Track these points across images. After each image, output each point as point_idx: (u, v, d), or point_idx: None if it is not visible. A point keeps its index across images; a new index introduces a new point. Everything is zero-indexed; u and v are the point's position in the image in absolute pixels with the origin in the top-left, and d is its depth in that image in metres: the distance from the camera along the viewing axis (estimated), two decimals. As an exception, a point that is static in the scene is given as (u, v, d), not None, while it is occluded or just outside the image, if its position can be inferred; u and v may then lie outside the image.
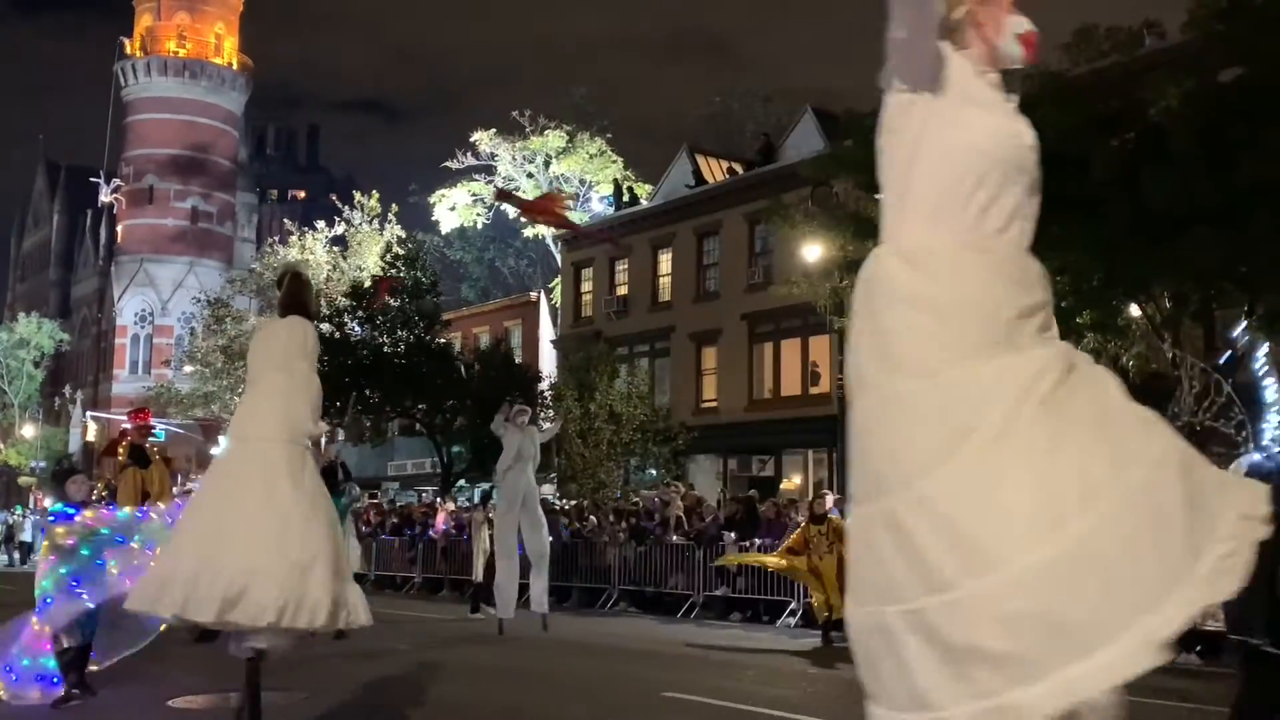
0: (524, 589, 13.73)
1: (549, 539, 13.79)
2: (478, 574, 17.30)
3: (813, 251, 20.78)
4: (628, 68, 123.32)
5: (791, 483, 29.02)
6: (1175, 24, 17.42)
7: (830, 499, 17.96)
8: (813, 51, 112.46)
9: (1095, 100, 15.51)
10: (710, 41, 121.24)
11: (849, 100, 24.44)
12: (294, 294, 6.31)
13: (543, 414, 32.88)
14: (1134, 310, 16.88)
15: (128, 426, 11.21)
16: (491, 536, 16.74)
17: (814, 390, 28.47)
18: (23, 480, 59.41)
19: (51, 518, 7.52)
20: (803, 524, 13.76)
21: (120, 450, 11.12)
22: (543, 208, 10.71)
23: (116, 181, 70.24)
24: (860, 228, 18.12)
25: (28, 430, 65.11)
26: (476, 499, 32.12)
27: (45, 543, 7.53)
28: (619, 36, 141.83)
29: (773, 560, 13.89)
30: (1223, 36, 14.92)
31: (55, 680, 7.31)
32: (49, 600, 7.17)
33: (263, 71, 77.34)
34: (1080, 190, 14.71)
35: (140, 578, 5.93)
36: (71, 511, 7.38)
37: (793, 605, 15.71)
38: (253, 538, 5.36)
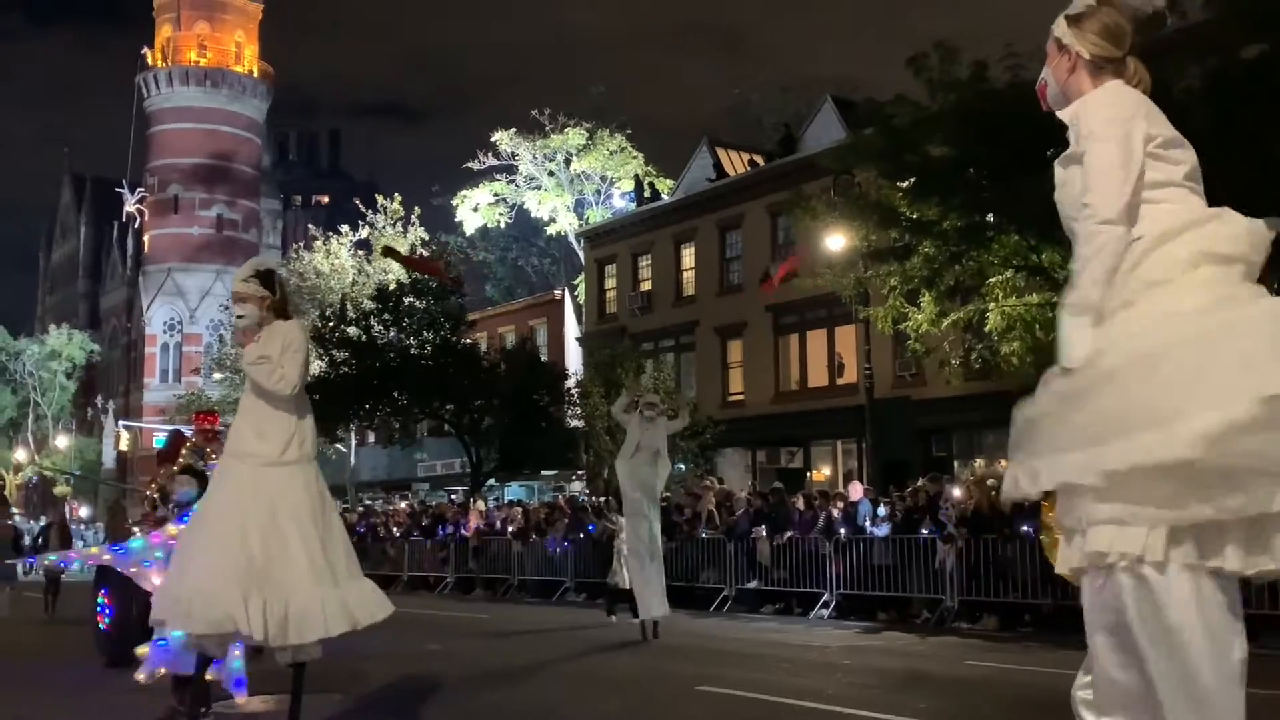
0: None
1: (660, 538, 12.79)
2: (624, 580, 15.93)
3: (836, 242, 20.73)
4: (641, 63, 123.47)
5: (821, 474, 28.96)
6: (1196, 2, 17.25)
7: (859, 489, 17.94)
8: (827, 39, 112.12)
9: (1116, 82, 15.39)
10: (722, 33, 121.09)
11: (868, 88, 24.38)
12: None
13: (569, 411, 32.98)
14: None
15: (188, 431, 10.83)
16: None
17: (841, 381, 28.38)
18: (58, 490, 60.03)
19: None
20: None
21: (183, 453, 10.76)
22: (423, 266, 10.33)
23: (141, 192, 70.74)
24: (883, 216, 18.03)
25: (61, 441, 65.77)
26: (507, 498, 32.35)
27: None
28: (630, 32, 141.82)
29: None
30: (1245, 13, 14.76)
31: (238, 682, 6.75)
32: None
33: (280, 78, 77.65)
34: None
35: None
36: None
37: (825, 597, 15.70)
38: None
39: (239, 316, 5.62)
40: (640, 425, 12.09)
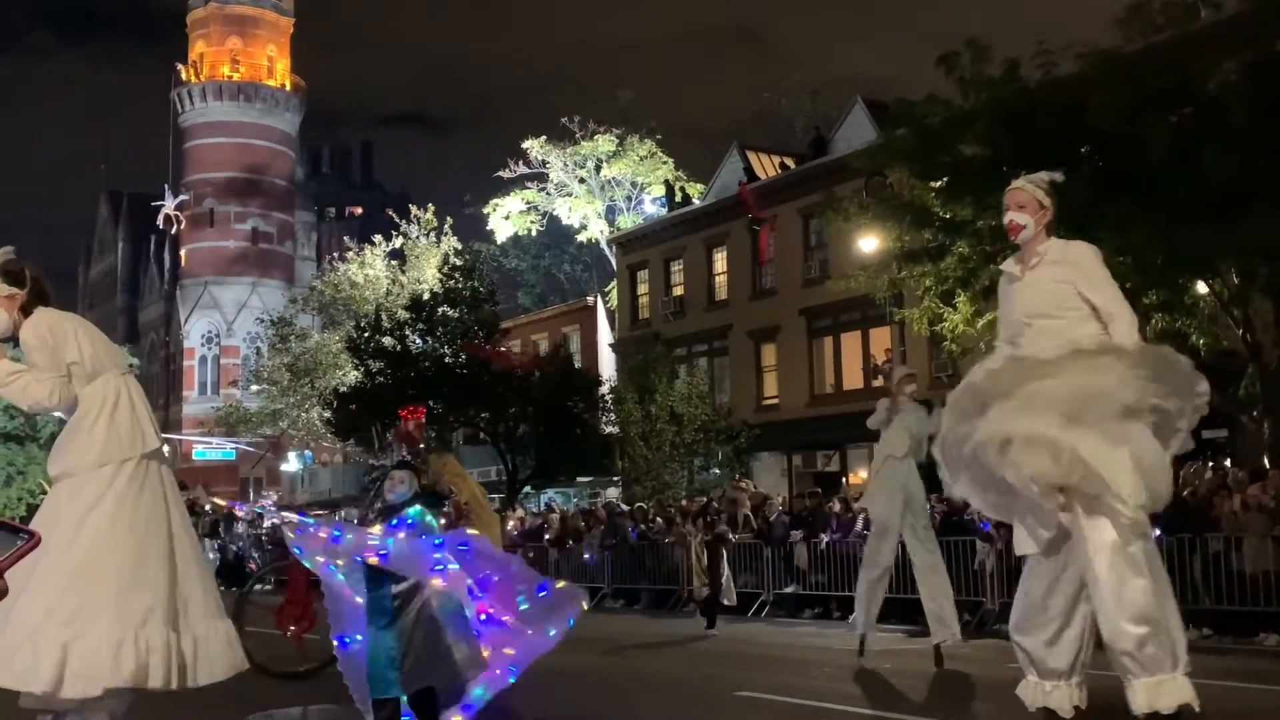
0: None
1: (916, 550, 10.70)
2: (697, 588, 15.12)
3: (869, 243, 20.62)
4: (669, 68, 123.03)
5: (858, 477, 28.81)
6: (1231, -5, 17.10)
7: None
8: (856, 40, 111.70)
9: (1151, 77, 15.23)
10: (750, 36, 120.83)
11: (899, 88, 24.27)
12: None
13: (603, 417, 32.96)
14: (1201, 288, 16.56)
15: (409, 425, 9.54)
16: (709, 544, 15.21)
17: (876, 383, 28.23)
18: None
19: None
20: None
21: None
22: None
23: (183, 197, 71.20)
24: (916, 217, 17.93)
25: (102, 454, 66.41)
26: (542, 501, 32.36)
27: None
28: (653, 36, 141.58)
29: None
30: (1280, 5, 14.61)
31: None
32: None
33: (311, 90, 78.24)
34: (1139, 169, 14.45)
35: None
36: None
37: (864, 600, 15.58)
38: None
39: None
40: (912, 411, 10.48)
